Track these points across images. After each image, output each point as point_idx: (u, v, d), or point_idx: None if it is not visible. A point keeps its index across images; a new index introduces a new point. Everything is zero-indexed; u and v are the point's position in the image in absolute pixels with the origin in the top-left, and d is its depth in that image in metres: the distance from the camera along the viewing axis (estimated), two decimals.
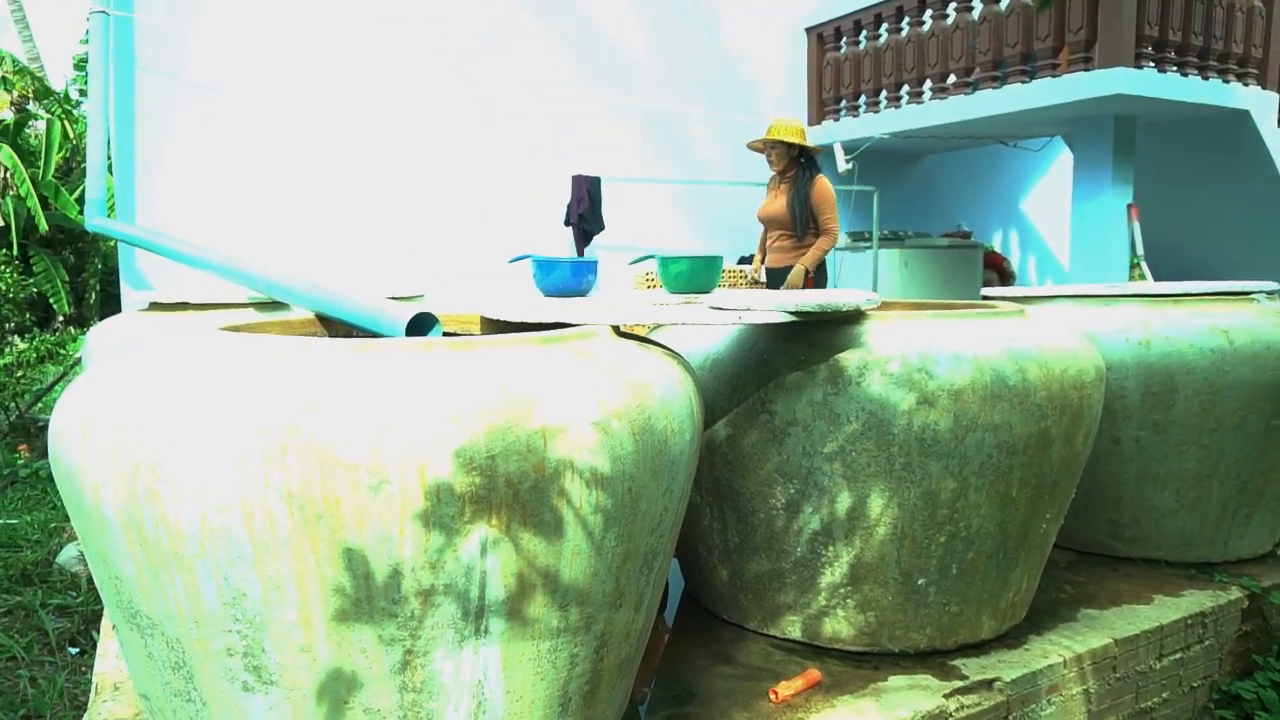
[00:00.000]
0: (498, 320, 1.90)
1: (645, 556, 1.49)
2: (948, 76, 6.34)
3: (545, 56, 6.20)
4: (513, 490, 1.23)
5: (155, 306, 2.76)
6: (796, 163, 4.54)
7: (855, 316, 2.07)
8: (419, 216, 5.81)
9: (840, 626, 2.10)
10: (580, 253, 5.94)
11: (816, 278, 4.51)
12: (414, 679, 1.29)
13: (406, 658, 1.27)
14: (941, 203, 8.32)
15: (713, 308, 1.89)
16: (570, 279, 2.39)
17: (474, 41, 5.93)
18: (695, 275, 2.53)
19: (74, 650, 2.77)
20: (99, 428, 1.27)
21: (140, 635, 1.33)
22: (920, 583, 2.04)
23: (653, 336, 2.07)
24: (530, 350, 1.39)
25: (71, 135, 12.52)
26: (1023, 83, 5.80)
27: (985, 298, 3.16)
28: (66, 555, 3.46)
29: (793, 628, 2.15)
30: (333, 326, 1.98)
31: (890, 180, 7.59)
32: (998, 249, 8.21)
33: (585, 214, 5.79)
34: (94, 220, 4.65)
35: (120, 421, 1.24)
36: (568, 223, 6.01)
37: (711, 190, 6.70)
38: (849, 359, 1.97)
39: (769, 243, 4.75)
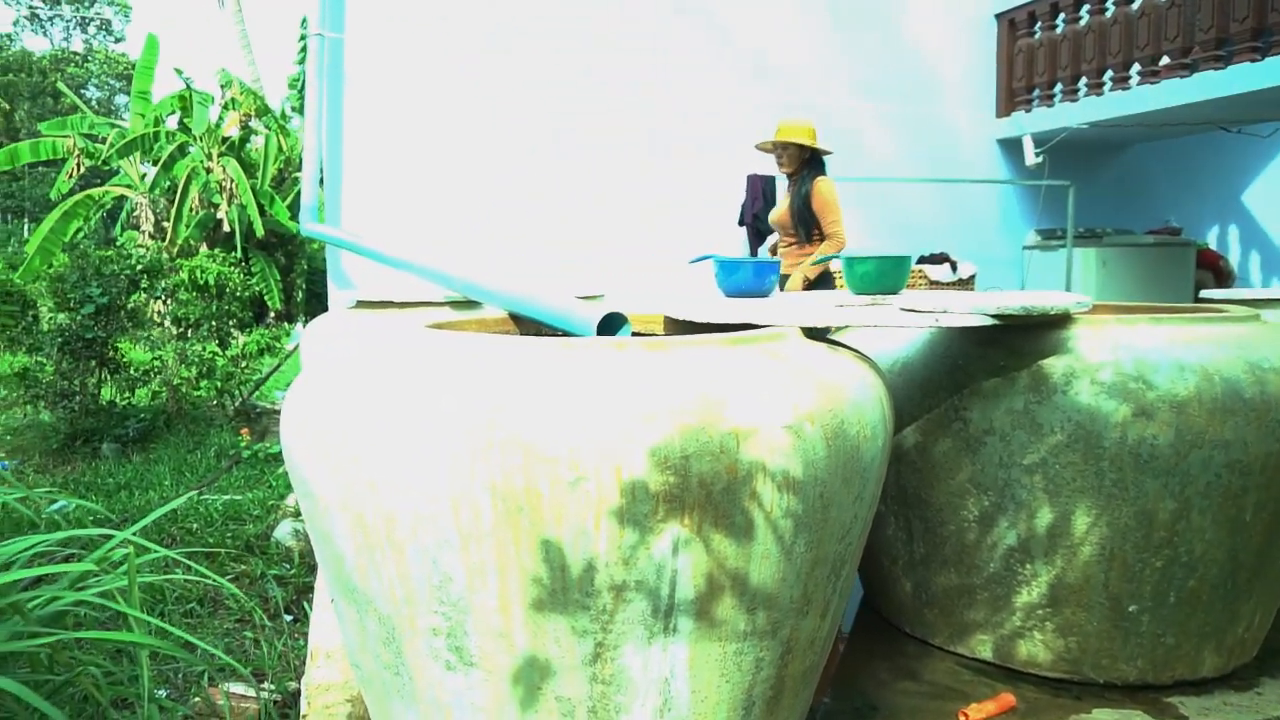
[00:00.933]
0: (682, 321, 1.91)
1: (833, 564, 1.45)
2: (1160, 58, 5.81)
3: (715, 55, 6.20)
4: (705, 491, 1.23)
5: (361, 304, 2.98)
6: (807, 165, 4.33)
7: (1061, 320, 1.93)
8: (597, 218, 5.97)
9: (1037, 650, 1.96)
10: (754, 252, 5.90)
11: (816, 283, 4.32)
12: (604, 671, 1.31)
13: (598, 650, 1.30)
14: (1146, 197, 7.63)
15: (905, 310, 1.82)
16: (753, 280, 2.37)
17: (646, 42, 6.02)
18: (883, 275, 2.44)
19: (289, 618, 3.03)
20: (319, 423, 1.38)
21: (357, 610, 1.43)
22: (1131, 610, 1.87)
23: (838, 339, 2.02)
24: (721, 351, 1.39)
25: (284, 148, 13.80)
26: (1253, 60, 5.22)
27: (1204, 300, 2.87)
28: (281, 531, 3.81)
29: (983, 647, 2.04)
30: (524, 325, 2.06)
31: (1087, 174, 7.05)
32: (1213, 247, 7.44)
33: (760, 213, 5.74)
34: (307, 225, 5.09)
35: (338, 418, 1.35)
36: (742, 222, 5.99)
37: (888, 188, 6.47)
38: (1054, 365, 1.84)
39: (779, 247, 4.58)
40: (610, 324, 1.70)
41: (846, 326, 2.41)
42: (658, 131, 6.09)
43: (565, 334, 1.79)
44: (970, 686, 1.94)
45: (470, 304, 2.81)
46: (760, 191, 5.86)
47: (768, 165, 6.06)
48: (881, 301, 2.20)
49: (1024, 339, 1.91)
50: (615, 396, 1.24)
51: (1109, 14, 6.15)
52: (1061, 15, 6.55)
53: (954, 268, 6.02)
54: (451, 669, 1.34)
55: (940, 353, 2.04)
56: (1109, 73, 6.21)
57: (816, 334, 1.68)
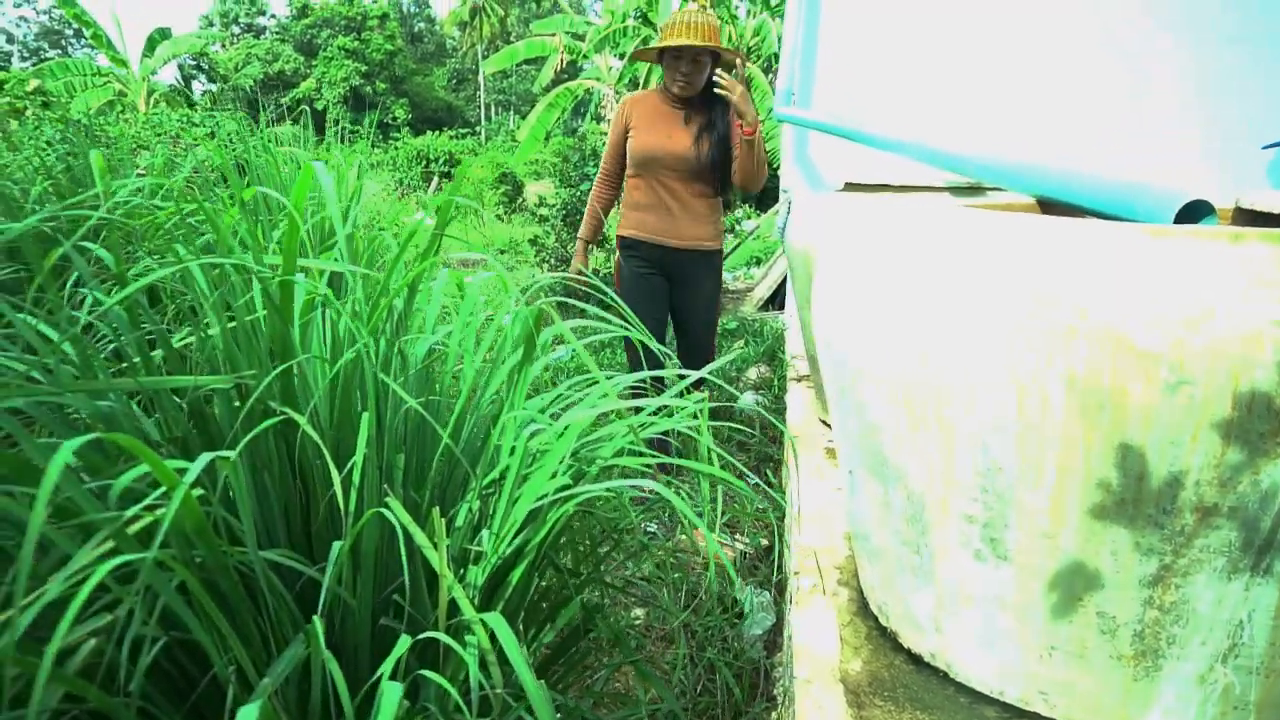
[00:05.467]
0: (1254, 212, 1.57)
1: None
2: None
3: None
4: None
5: (851, 187, 2.96)
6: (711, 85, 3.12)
7: None
8: (1121, 104, 5.22)
9: None
10: None
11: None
12: (1163, 597, 1.18)
13: (1161, 573, 1.16)
14: None
15: None
16: None
17: None
18: None
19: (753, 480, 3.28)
20: (860, 294, 1.39)
21: (881, 483, 1.46)
22: None
23: None
24: None
25: (733, 37, 14.21)
26: None
27: None
28: (744, 401, 4.09)
29: None
30: (1053, 213, 1.86)
31: None
32: None
33: None
34: (780, 109, 5.18)
35: (886, 289, 1.34)
36: None
37: None
38: None
39: (647, 195, 3.25)
40: (1193, 212, 1.45)
41: None
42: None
43: (1116, 220, 1.57)
44: None
45: (972, 191, 2.63)
46: None
47: None
48: None
49: None
50: (1235, 295, 1.06)
51: None
52: None
53: None
54: (980, 559, 1.31)
55: None
56: None
57: None
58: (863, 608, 1.70)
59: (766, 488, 1.66)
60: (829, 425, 2.95)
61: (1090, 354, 1.09)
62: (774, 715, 2.06)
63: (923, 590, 1.44)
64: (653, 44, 3.41)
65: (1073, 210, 1.80)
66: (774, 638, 2.30)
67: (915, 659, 1.50)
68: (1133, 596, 1.20)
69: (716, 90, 3.00)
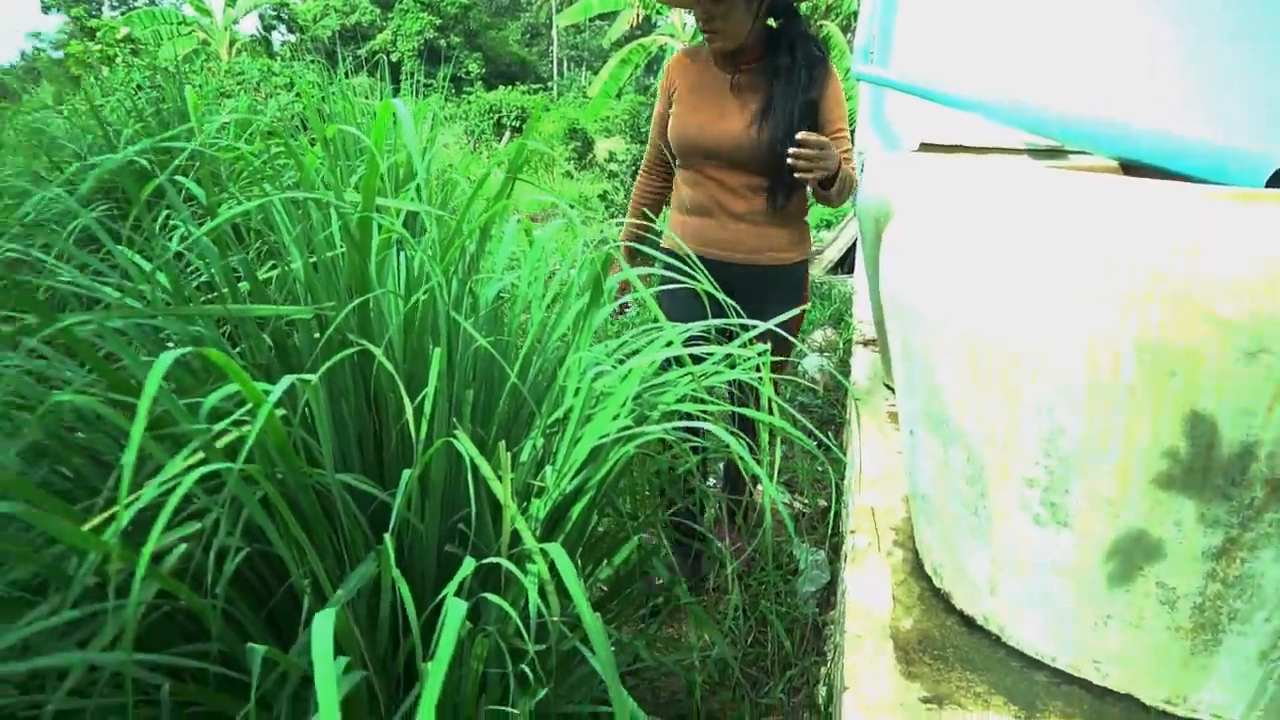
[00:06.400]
0: None
1: None
2: None
3: None
4: None
5: (926, 147, 2.89)
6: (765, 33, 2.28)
7: None
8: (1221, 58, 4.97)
9: None
10: None
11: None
12: (1226, 570, 1.16)
13: (1227, 546, 1.14)
14: None
15: None
16: None
17: None
18: None
19: (813, 442, 3.28)
20: (932, 254, 1.37)
21: (941, 443, 1.45)
22: None
23: None
24: None
25: None
26: None
27: None
28: (808, 364, 4.07)
29: None
30: (1135, 176, 1.80)
31: None
32: None
33: None
34: (858, 67, 5.07)
35: (959, 248, 1.32)
36: None
37: None
38: None
39: (696, 193, 2.35)
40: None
41: None
42: None
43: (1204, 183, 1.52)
44: None
45: (1052, 153, 2.55)
46: None
47: None
48: None
49: None
50: None
51: None
52: None
53: None
54: (1040, 524, 1.30)
55: None
56: None
57: None
58: (917, 568, 1.70)
59: (826, 448, 1.66)
60: (894, 389, 2.93)
61: (1164, 318, 1.07)
62: (823, 670, 2.09)
63: (979, 552, 1.44)
64: None
65: (1158, 173, 1.74)
66: (827, 596, 2.32)
67: (968, 621, 1.51)
68: (1195, 568, 1.18)
69: (790, 166, 2.08)
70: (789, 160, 2.07)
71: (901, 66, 5.40)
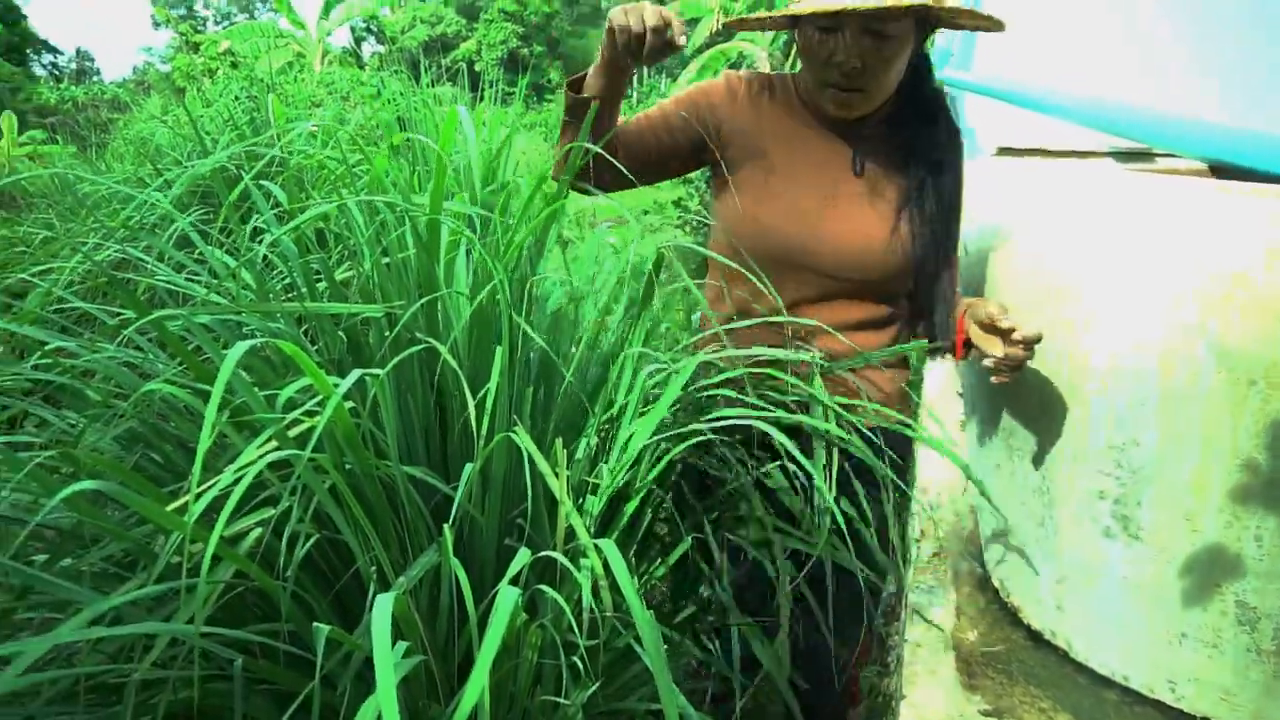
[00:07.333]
0: None
1: None
2: None
3: None
4: None
5: (1004, 151, 2.82)
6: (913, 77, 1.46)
7: None
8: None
9: None
10: None
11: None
12: None
13: None
14: None
15: None
16: None
17: None
18: None
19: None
20: (1010, 256, 1.34)
21: (1008, 452, 1.42)
22: None
23: None
24: None
25: None
26: None
27: None
28: None
29: None
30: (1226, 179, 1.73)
31: None
32: None
33: None
34: (939, 71, 4.97)
35: (1037, 251, 1.29)
36: None
37: None
38: None
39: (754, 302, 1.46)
40: None
41: None
42: None
43: None
44: None
45: (1140, 156, 2.46)
46: None
47: None
48: None
49: None
50: None
51: None
52: None
53: None
54: (1110, 537, 1.26)
55: None
56: None
57: None
58: (983, 580, 1.66)
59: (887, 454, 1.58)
60: (963, 398, 2.86)
61: (1247, 326, 1.03)
62: (886, 681, 2.06)
63: (1045, 565, 1.40)
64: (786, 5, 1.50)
65: (1249, 175, 1.67)
66: (892, 606, 2.28)
67: (1034, 635, 1.47)
68: (1276, 587, 1.13)
69: (989, 369, 1.34)
70: (986, 365, 1.34)
71: (984, 69, 5.27)
